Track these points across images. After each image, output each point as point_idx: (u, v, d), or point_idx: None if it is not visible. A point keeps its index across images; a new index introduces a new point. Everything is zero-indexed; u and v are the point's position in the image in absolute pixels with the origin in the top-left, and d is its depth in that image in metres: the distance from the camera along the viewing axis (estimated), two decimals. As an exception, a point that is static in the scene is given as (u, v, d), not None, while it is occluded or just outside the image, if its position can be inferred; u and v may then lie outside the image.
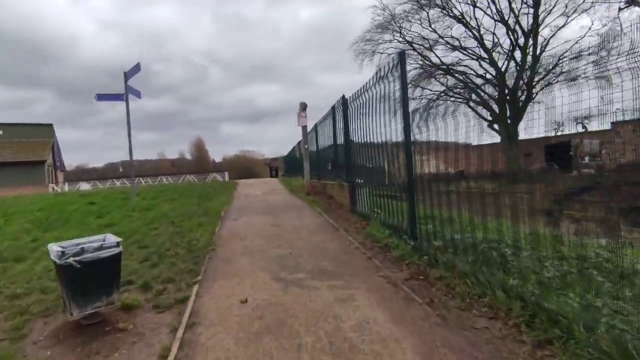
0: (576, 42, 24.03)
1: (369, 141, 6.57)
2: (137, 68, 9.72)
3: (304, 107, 11.23)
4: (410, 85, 7.08)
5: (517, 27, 21.94)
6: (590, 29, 23.28)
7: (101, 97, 9.99)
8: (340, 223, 6.76)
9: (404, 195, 5.42)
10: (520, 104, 24.01)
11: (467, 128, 4.06)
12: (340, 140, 8.48)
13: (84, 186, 29.09)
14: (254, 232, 6.14)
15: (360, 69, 27.99)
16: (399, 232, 5.13)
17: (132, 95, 10.39)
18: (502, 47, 23.23)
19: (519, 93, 23.77)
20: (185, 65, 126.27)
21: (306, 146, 11.37)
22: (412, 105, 5.30)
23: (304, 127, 11.45)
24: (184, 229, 6.38)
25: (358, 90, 6.77)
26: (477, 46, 24.56)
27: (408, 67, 6.09)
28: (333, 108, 9.00)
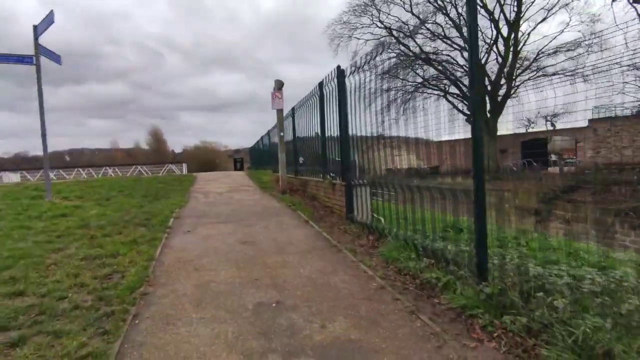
0: (554, 38, 23.97)
1: (385, 128, 4.79)
2: (49, 19, 7.10)
3: (279, 85, 9.17)
4: (387, 76, 5.67)
5: (501, 16, 21.15)
6: (568, 24, 23.20)
7: (-1, 57, 7.26)
8: (338, 237, 4.90)
9: (453, 202, 3.95)
10: (500, 98, 23.51)
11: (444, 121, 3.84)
12: (331, 127, 6.59)
13: (10, 178, 24.81)
14: (215, 256, 4.10)
15: (335, 54, 26.13)
16: (445, 260, 3.37)
17: (48, 58, 7.75)
18: (483, 34, 22.36)
19: (499, 87, 23.21)
20: (138, 50, 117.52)
21: (282, 134, 9.35)
22: (386, 98, 4.90)
23: (280, 111, 9.40)
24: (107, 250, 4.18)
25: (366, 55, 4.91)
26: (458, 36, 23.64)
27: (384, 56, 4.65)
28: (320, 86, 7.06)
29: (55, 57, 8.05)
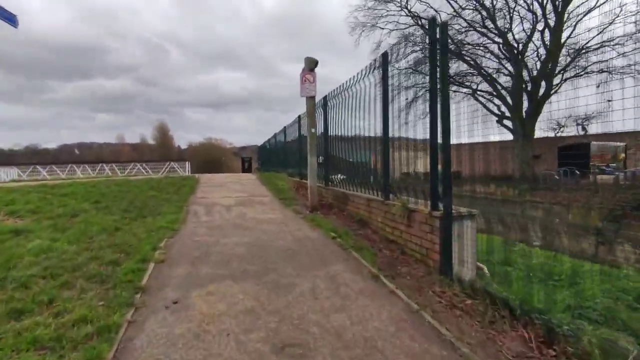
0: (601, 32, 21.29)
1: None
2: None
3: (311, 65, 6.83)
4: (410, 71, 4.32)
5: (549, 4, 18.58)
6: (618, 15, 20.57)
7: None
8: (457, 329, 2.55)
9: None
10: (539, 97, 20.95)
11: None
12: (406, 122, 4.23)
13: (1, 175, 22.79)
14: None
15: (356, 45, 23.71)
16: None
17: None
18: (522, 19, 19.74)
19: (539, 84, 20.63)
20: (143, 46, 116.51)
21: (313, 130, 6.99)
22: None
23: (311, 99, 7.04)
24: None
25: None
26: (493, 28, 21.11)
27: (408, 49, 4.26)
28: (385, 59, 4.71)
29: (7, 16, 5.79)
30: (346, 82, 6.15)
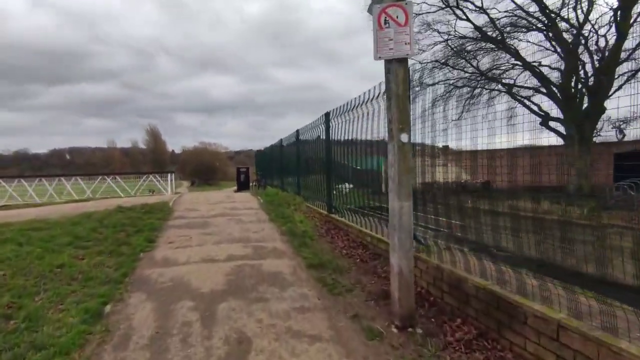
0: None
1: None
2: None
3: (405, -16, 2.90)
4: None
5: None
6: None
7: None
8: None
9: None
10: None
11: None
12: None
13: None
14: None
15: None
16: None
17: None
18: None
19: (604, 77, 16.94)
20: (128, 50, 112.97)
21: (405, 139, 3.02)
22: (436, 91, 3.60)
23: (400, 64, 3.07)
24: None
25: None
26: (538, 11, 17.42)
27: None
28: None
29: None
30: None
